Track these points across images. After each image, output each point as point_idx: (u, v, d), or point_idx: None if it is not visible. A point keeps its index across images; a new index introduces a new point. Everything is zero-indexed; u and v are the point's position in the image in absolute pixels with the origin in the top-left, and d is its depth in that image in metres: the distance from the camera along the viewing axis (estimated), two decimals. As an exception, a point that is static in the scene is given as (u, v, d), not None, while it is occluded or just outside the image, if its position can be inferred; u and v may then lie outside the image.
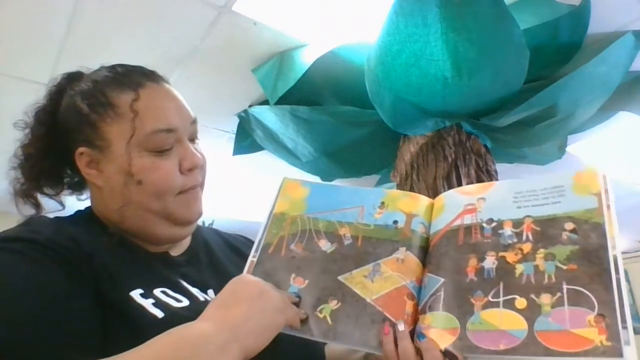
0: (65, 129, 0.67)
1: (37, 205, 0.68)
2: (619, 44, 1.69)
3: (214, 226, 0.88)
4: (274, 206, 0.69)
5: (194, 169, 0.67)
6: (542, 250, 0.55)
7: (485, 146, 1.94)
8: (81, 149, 0.65)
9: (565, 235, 0.55)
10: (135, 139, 0.62)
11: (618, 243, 0.52)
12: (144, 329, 0.53)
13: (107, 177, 0.65)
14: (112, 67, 0.69)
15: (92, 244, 0.60)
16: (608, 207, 0.56)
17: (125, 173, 0.63)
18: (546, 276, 0.53)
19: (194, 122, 0.69)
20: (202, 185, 0.70)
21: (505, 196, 0.63)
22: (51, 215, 0.67)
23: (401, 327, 0.55)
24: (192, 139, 0.69)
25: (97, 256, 0.58)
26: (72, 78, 0.71)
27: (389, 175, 2.13)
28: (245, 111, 2.30)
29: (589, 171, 0.60)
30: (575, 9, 1.70)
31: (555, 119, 1.85)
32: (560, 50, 1.81)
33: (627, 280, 4.68)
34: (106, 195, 0.66)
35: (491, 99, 1.76)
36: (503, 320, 0.52)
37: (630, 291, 4.68)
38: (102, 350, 0.48)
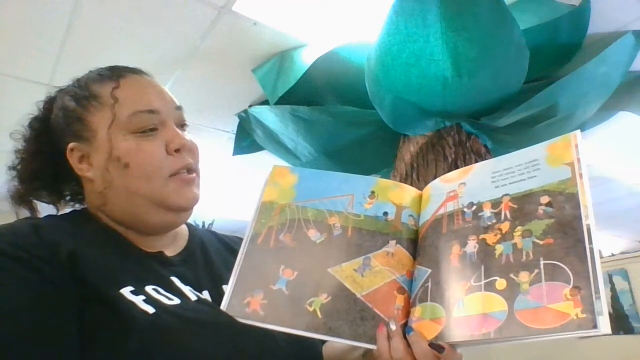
0: (57, 130, 0.69)
1: (33, 210, 0.69)
2: (619, 44, 1.69)
3: (214, 226, 0.88)
4: (262, 194, 0.67)
5: (181, 149, 0.66)
6: (519, 227, 0.54)
7: (486, 146, 1.94)
8: (71, 145, 0.66)
9: (541, 210, 0.54)
10: (116, 122, 0.64)
11: (591, 212, 0.51)
12: (135, 324, 0.53)
13: (97, 167, 0.65)
14: (98, 68, 0.72)
15: (79, 241, 0.59)
16: (580, 175, 0.54)
17: (111, 158, 0.64)
18: (524, 253, 0.52)
19: (178, 108, 0.70)
20: (197, 171, 0.70)
21: (484, 178, 0.62)
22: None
23: (393, 326, 0.54)
24: (180, 127, 0.70)
25: (82, 254, 0.57)
26: (63, 88, 0.73)
27: (389, 175, 2.13)
28: (245, 111, 2.30)
29: (562, 140, 0.59)
30: (575, 9, 1.70)
31: (556, 119, 1.85)
32: (560, 50, 1.81)
33: (627, 280, 4.67)
34: (97, 186, 0.66)
35: (491, 99, 1.76)
36: (485, 304, 0.51)
37: (630, 291, 4.67)
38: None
